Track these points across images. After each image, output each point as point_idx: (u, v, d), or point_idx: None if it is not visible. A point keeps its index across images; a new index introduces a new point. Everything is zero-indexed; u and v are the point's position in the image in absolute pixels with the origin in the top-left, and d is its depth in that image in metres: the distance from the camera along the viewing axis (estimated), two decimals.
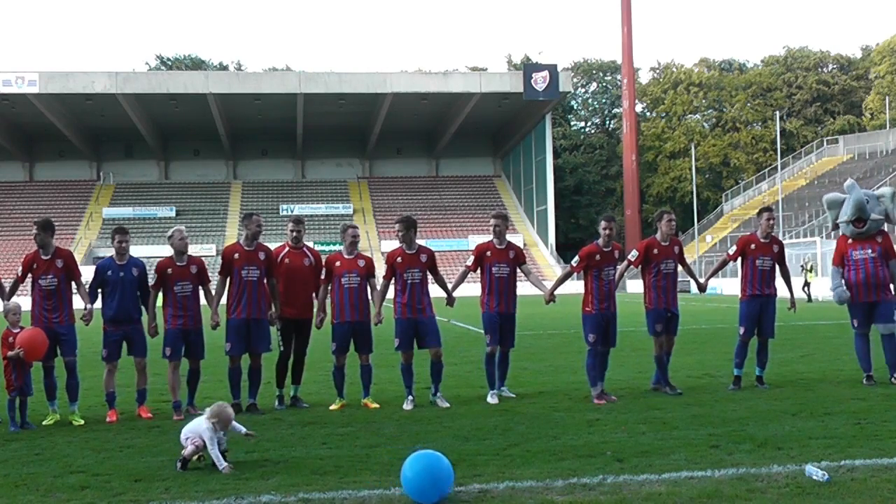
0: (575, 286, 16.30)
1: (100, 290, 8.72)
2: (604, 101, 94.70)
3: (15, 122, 67.65)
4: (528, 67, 65.26)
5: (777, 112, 68.64)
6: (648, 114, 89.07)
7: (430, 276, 9.22)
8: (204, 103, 63.02)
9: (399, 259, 9.03)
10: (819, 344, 14.82)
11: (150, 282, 8.90)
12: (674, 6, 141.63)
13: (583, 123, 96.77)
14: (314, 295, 9.36)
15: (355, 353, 9.13)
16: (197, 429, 6.32)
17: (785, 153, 72.41)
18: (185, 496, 5.47)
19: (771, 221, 9.84)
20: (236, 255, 8.90)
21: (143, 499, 5.44)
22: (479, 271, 9.41)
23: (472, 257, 9.40)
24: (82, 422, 8.30)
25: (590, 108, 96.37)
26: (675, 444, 6.66)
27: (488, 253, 9.26)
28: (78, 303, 8.63)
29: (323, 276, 9.25)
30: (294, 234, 9.27)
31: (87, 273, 9.00)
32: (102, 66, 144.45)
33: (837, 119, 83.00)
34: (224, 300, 8.95)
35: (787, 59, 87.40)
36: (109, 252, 9.14)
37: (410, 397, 8.92)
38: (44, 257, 8.51)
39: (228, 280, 8.94)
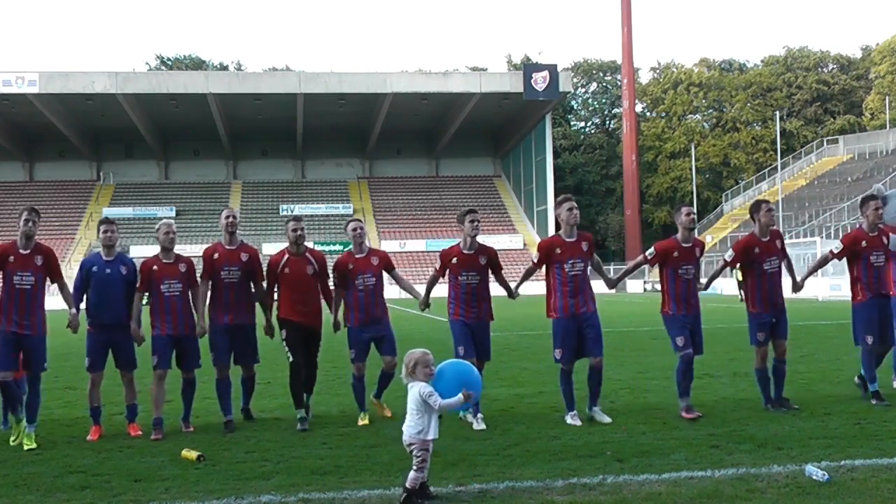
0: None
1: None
2: (604, 101, 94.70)
3: (15, 122, 67.62)
4: (528, 67, 65.29)
5: (777, 112, 68.72)
6: (648, 114, 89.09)
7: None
8: (204, 103, 63.03)
9: (455, 260, 7.99)
10: (819, 344, 14.80)
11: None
12: (674, 6, 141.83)
13: (583, 123, 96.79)
14: (323, 301, 8.36)
15: (378, 355, 8.28)
16: (421, 402, 5.19)
17: (785, 153, 72.42)
18: (185, 496, 5.47)
19: (879, 211, 8.52)
20: (216, 255, 8.12)
21: (143, 499, 5.44)
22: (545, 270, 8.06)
23: (537, 254, 8.01)
24: (34, 446, 7.13)
25: (590, 108, 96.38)
26: (675, 444, 6.65)
27: (558, 250, 7.82)
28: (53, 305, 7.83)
29: (337, 283, 8.27)
30: (297, 233, 8.09)
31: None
32: (102, 66, 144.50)
33: (837, 119, 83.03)
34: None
35: (787, 59, 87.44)
36: None
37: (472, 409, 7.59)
38: (22, 251, 7.47)
39: (211, 283, 8.11)
